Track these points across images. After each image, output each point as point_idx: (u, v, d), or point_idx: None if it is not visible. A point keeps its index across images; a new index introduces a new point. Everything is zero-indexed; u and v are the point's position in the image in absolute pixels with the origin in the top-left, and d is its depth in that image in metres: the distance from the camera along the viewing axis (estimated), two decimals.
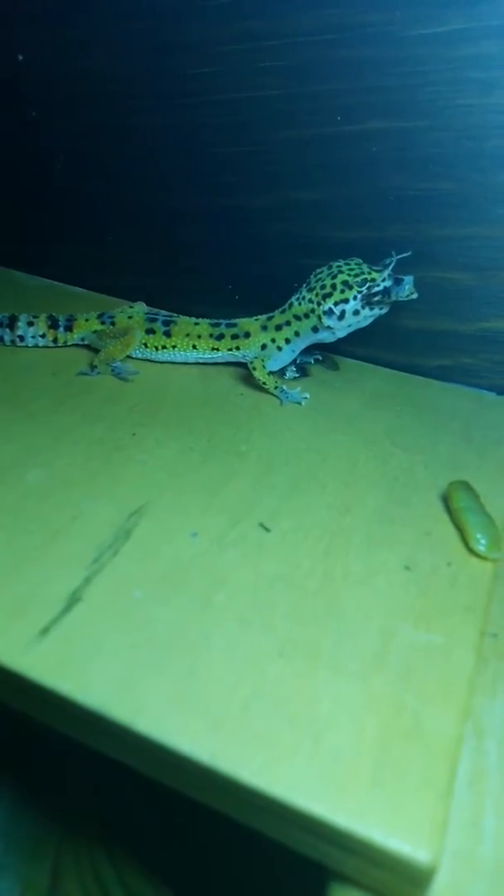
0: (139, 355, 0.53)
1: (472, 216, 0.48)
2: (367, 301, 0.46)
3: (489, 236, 0.48)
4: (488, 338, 0.51)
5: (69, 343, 0.54)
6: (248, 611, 0.32)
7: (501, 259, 0.48)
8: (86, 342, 0.54)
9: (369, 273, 0.46)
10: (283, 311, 0.50)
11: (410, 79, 0.46)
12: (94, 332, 0.53)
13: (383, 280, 0.45)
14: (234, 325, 0.51)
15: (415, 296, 0.46)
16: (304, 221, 0.54)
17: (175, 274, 0.61)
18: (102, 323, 0.53)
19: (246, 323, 0.51)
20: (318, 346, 0.51)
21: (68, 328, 0.54)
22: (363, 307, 0.46)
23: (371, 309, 0.46)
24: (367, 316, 0.47)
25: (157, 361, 0.53)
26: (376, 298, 0.46)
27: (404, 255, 0.46)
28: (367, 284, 0.45)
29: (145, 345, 0.53)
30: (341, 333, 0.48)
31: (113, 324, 0.53)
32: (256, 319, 0.51)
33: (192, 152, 0.56)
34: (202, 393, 0.50)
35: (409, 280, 0.46)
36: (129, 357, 0.53)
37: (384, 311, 0.47)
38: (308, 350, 0.52)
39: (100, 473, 0.40)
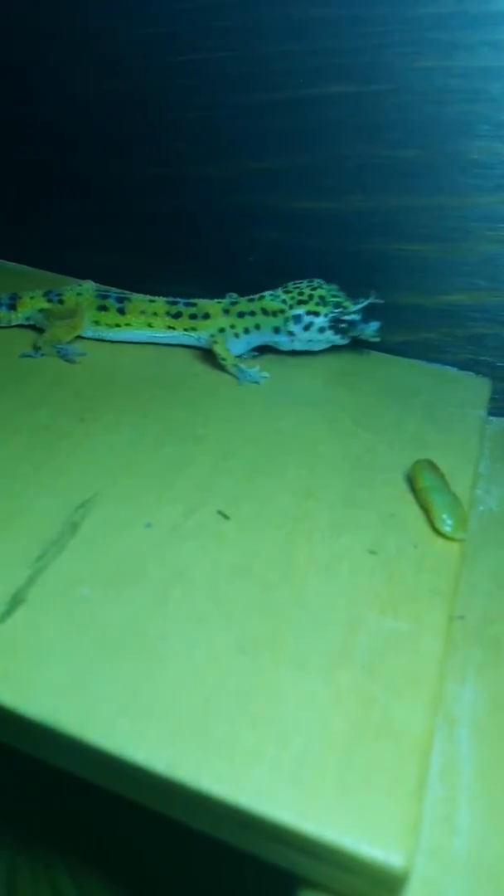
0: (91, 335, 0.50)
1: (434, 185, 0.46)
2: (335, 324, 0.46)
3: (451, 206, 0.46)
4: (450, 312, 0.49)
5: (13, 323, 0.51)
6: (206, 605, 0.30)
7: (463, 230, 0.47)
8: (31, 322, 0.51)
9: (345, 300, 0.46)
10: (251, 300, 0.48)
11: (370, 39, 0.44)
12: (41, 310, 0.50)
13: (355, 312, 0.46)
14: (193, 304, 0.49)
15: (377, 339, 0.47)
16: (259, 191, 0.51)
17: (124, 249, 0.58)
18: (49, 301, 0.50)
19: (206, 304, 0.48)
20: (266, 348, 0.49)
21: (12, 307, 0.50)
22: (328, 327, 0.46)
23: (334, 333, 0.47)
24: (327, 340, 0.47)
25: (108, 341, 0.50)
26: (343, 325, 0.47)
27: (380, 301, 0.46)
28: (341, 309, 0.46)
29: (97, 322, 0.49)
30: (297, 346, 0.48)
31: (61, 302, 0.50)
32: (219, 302, 0.49)
33: (141, 119, 0.52)
34: (155, 374, 0.47)
35: (376, 324, 0.47)
36: (78, 337, 0.50)
37: (342, 342, 0.48)
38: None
39: (44, 463, 0.37)
